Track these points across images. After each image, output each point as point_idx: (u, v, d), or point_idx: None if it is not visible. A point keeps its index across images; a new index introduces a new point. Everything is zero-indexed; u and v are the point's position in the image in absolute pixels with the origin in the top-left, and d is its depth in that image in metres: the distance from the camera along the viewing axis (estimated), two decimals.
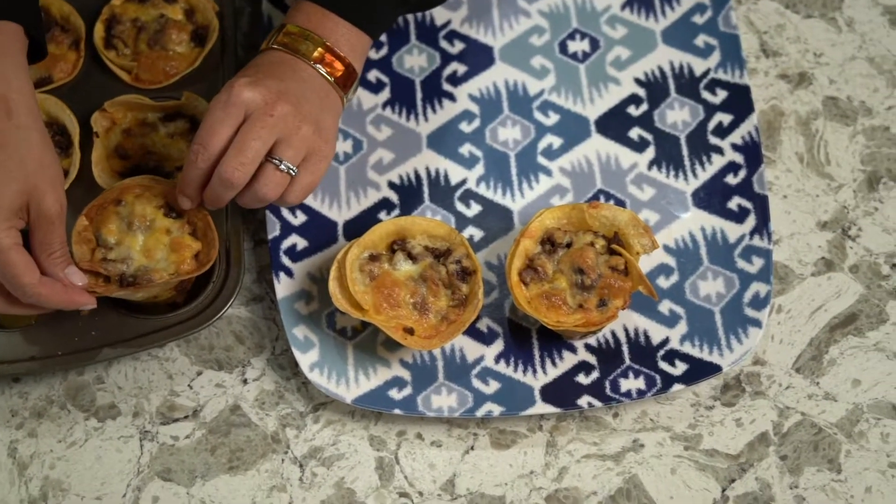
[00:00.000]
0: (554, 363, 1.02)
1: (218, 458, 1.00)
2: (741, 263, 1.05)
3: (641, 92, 1.13)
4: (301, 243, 1.06)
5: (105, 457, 1.00)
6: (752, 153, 1.09)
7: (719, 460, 0.99)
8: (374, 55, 1.15)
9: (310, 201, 1.08)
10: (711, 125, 1.11)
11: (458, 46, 1.16)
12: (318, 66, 0.98)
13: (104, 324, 1.00)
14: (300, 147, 0.95)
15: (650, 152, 1.10)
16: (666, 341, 1.02)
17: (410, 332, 0.99)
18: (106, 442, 1.01)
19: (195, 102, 1.08)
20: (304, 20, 0.99)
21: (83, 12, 1.13)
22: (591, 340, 1.03)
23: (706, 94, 1.12)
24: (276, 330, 1.05)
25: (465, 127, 1.12)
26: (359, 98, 1.13)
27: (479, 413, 0.99)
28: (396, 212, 1.08)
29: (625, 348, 1.02)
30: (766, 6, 1.20)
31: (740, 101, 1.12)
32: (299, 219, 1.07)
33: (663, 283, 1.04)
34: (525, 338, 1.03)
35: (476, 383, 1.01)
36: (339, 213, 1.08)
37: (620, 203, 1.08)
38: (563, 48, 1.16)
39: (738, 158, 1.09)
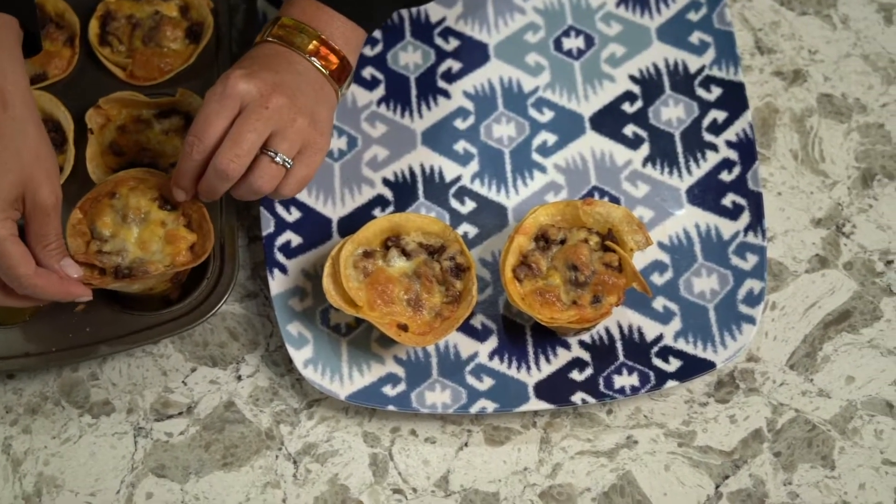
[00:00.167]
0: (548, 360, 1.02)
1: (212, 455, 1.00)
2: (735, 260, 1.05)
3: (636, 89, 1.13)
4: (295, 240, 1.06)
5: (99, 453, 1.00)
6: (747, 150, 1.09)
7: (713, 457, 0.99)
8: (368, 52, 1.15)
9: (304, 198, 1.08)
10: (706, 122, 1.11)
11: (453, 43, 1.16)
12: (313, 58, 0.98)
13: (98, 320, 1.00)
14: (295, 139, 0.95)
15: (645, 149, 1.10)
16: (660, 338, 1.02)
17: (404, 328, 0.99)
18: (100, 438, 1.01)
19: (190, 99, 1.08)
20: (299, 13, 0.99)
21: (78, 9, 1.13)
22: (585, 337, 1.03)
23: (701, 91, 1.12)
24: (271, 326, 1.05)
25: (460, 124, 1.12)
26: (353, 95, 1.13)
27: (473, 409, 0.99)
28: (391, 208, 1.08)
29: (619, 345, 1.02)
30: (761, 3, 1.19)
31: (735, 98, 1.11)
32: (293, 215, 1.07)
33: (657, 279, 1.04)
34: (519, 334, 1.03)
35: (470, 380, 1.01)
36: (334, 210, 1.08)
37: (615, 200, 1.08)
38: (557, 45, 1.16)
39: (733, 155, 1.09)
